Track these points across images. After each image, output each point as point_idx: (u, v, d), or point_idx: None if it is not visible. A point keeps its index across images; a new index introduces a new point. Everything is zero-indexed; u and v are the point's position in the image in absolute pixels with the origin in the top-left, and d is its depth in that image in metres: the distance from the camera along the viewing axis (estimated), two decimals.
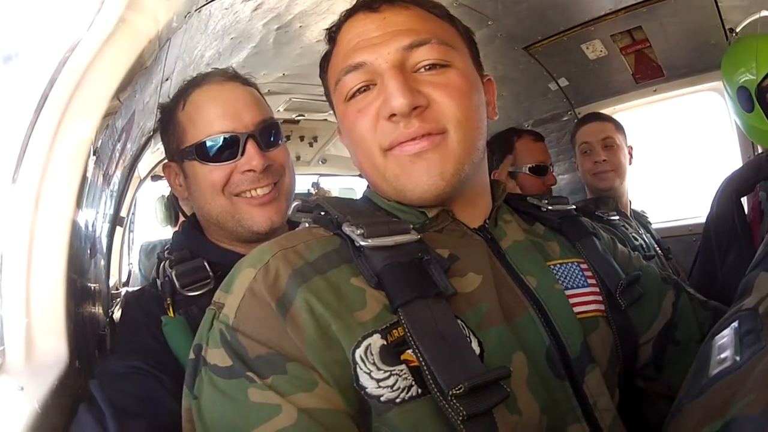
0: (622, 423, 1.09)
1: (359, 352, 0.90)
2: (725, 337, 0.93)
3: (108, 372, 1.28)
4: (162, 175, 3.62)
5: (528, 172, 3.00)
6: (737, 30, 2.59)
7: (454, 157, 1.09)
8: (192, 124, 1.59)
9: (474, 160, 1.13)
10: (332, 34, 1.25)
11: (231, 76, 1.67)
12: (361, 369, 0.89)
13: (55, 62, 1.08)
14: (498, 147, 3.11)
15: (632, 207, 3.23)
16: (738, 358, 0.85)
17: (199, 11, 1.72)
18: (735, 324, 0.93)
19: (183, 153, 1.60)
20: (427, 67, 1.11)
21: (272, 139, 1.63)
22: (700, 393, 0.89)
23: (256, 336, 0.92)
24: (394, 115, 1.06)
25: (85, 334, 1.34)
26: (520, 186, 3.01)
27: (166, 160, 1.77)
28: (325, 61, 1.28)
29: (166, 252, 1.68)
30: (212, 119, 1.56)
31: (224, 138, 1.55)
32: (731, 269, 1.90)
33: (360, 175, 4.89)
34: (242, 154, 1.55)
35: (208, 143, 1.55)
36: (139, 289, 1.72)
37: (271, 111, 1.71)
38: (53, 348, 1.11)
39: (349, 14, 1.22)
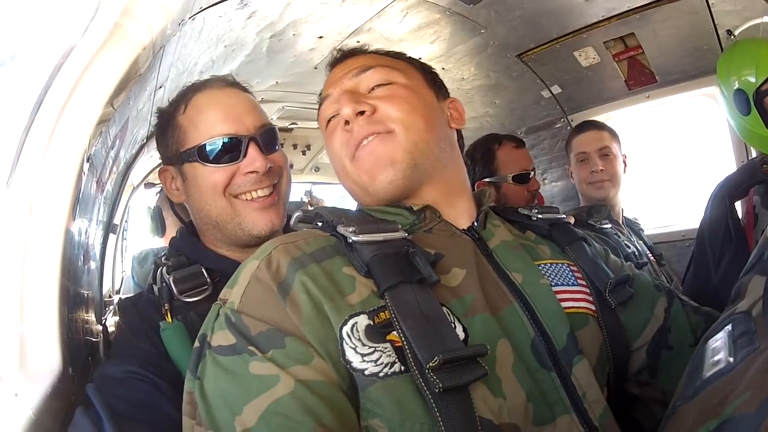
0: (613, 415, 1.12)
1: (346, 329, 0.98)
2: (719, 340, 0.94)
3: (106, 376, 1.28)
4: (155, 182, 3.64)
5: (511, 181, 2.97)
6: (736, 33, 2.60)
7: (401, 146, 1.26)
8: (194, 127, 1.60)
9: (426, 151, 1.29)
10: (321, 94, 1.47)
11: (231, 82, 1.71)
12: (347, 344, 0.96)
13: (50, 68, 1.07)
14: (480, 156, 3.08)
15: (624, 215, 3.22)
16: (732, 360, 0.86)
17: (193, 19, 1.73)
18: (728, 327, 0.94)
19: (183, 155, 1.61)
20: (377, 87, 1.35)
21: (272, 143, 1.67)
22: (694, 394, 0.89)
23: (259, 315, 0.99)
24: (347, 123, 1.29)
25: (79, 341, 1.33)
26: (505, 195, 2.98)
27: (161, 165, 1.77)
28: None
29: (163, 258, 1.67)
30: (214, 122, 1.58)
31: (227, 140, 1.57)
32: (725, 274, 1.90)
33: None
34: (244, 157, 1.58)
35: (211, 145, 1.56)
36: (137, 295, 1.71)
37: (268, 117, 1.74)
38: (47, 354, 1.11)
39: (328, 72, 1.49)
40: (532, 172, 3.06)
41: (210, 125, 1.58)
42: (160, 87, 1.92)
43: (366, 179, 1.28)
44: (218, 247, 1.70)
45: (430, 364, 0.89)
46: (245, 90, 1.73)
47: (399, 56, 1.49)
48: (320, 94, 1.45)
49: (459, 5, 2.58)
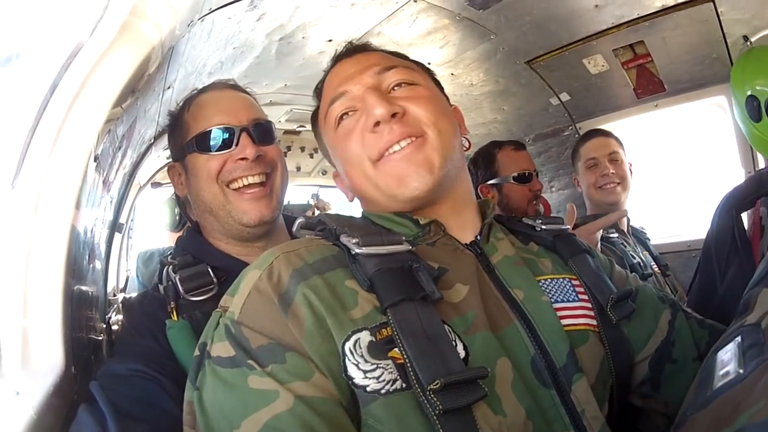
0: (611, 431, 1.11)
1: (348, 344, 0.97)
2: (728, 351, 0.95)
3: (109, 374, 1.29)
4: (161, 182, 3.66)
5: (513, 181, 2.99)
6: (752, 39, 2.60)
7: (437, 150, 1.22)
8: (194, 121, 1.72)
9: (453, 158, 1.26)
10: (318, 89, 1.43)
11: (232, 85, 1.85)
12: (349, 360, 0.96)
13: (58, 67, 1.07)
14: (482, 161, 3.11)
15: (630, 224, 3.22)
16: (741, 371, 0.87)
17: (203, 20, 1.74)
18: (738, 338, 0.95)
19: (185, 147, 1.73)
20: (397, 86, 1.31)
21: (266, 136, 1.75)
22: (705, 404, 0.90)
23: (259, 328, 0.98)
24: (377, 124, 1.23)
25: (82, 339, 1.33)
26: (507, 196, 3.00)
27: (170, 162, 1.88)
28: (315, 115, 1.46)
29: (169, 257, 1.72)
30: (212, 115, 1.70)
31: (221, 129, 1.68)
32: (731, 285, 1.89)
33: None
34: (236, 145, 1.66)
35: (206, 134, 1.68)
36: (143, 293, 1.76)
37: (266, 116, 1.83)
38: (50, 353, 1.11)
39: (330, 67, 1.45)
40: (535, 174, 3.08)
41: (207, 118, 1.69)
42: (169, 88, 1.93)
43: (393, 184, 1.22)
44: (219, 240, 1.75)
45: (431, 386, 0.88)
46: (245, 92, 1.85)
47: (408, 59, 1.46)
48: (318, 88, 1.43)
49: (469, 10, 2.58)
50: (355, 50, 1.42)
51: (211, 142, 1.67)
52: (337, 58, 1.43)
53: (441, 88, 1.46)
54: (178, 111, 1.80)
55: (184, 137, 1.73)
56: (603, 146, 3.10)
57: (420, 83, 1.32)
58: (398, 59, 1.41)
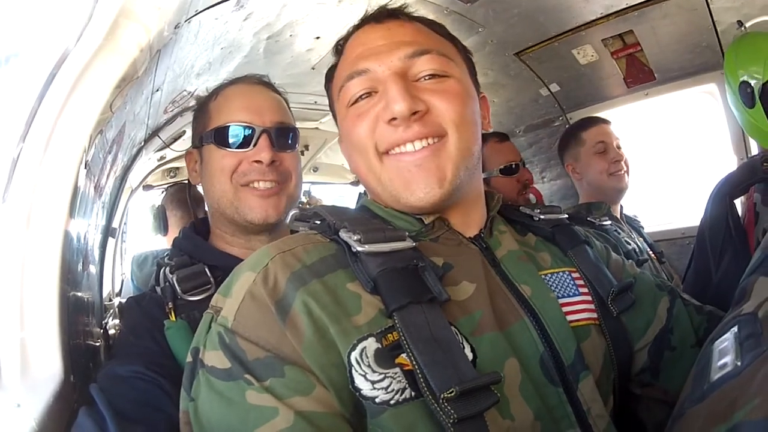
0: (616, 429, 1.10)
1: (354, 354, 0.92)
2: (725, 342, 0.93)
3: (110, 376, 1.29)
4: (153, 184, 3.67)
5: (499, 174, 3.05)
6: (747, 25, 2.60)
7: (452, 161, 1.15)
8: (217, 112, 1.75)
9: (469, 165, 1.19)
10: (339, 46, 1.32)
11: (264, 81, 1.86)
12: (356, 371, 0.92)
13: (46, 72, 1.06)
14: None
15: (624, 212, 3.22)
16: (739, 363, 0.85)
17: (189, 21, 1.72)
18: (735, 329, 0.93)
19: (204, 137, 1.76)
20: (427, 77, 1.18)
21: (286, 141, 1.75)
22: (702, 398, 0.89)
23: (255, 339, 0.93)
24: (394, 119, 1.13)
25: (79, 346, 1.32)
26: (495, 188, 3.02)
27: (190, 147, 1.92)
28: (331, 71, 1.34)
29: (165, 258, 1.73)
30: (235, 109, 1.72)
31: (241, 127, 1.69)
32: (726, 272, 1.89)
33: (352, 183, 4.94)
34: (254, 146, 1.66)
35: (225, 129, 1.70)
36: (141, 294, 1.76)
37: (293, 120, 1.84)
38: (49, 362, 1.10)
39: (356, 27, 1.31)
40: (521, 164, 3.16)
41: (230, 112, 1.70)
42: (157, 90, 1.92)
43: (400, 186, 1.16)
44: (224, 233, 1.78)
45: (445, 395, 0.85)
46: (276, 91, 1.84)
47: (444, 33, 1.34)
48: (339, 44, 1.33)
49: (457, 4, 2.57)
50: (388, 15, 1.28)
51: (230, 139, 1.69)
52: (365, 21, 1.30)
53: (474, 73, 1.37)
54: (206, 99, 1.84)
55: (205, 126, 1.76)
56: (610, 132, 3.11)
57: (452, 74, 1.20)
58: (435, 38, 1.28)
